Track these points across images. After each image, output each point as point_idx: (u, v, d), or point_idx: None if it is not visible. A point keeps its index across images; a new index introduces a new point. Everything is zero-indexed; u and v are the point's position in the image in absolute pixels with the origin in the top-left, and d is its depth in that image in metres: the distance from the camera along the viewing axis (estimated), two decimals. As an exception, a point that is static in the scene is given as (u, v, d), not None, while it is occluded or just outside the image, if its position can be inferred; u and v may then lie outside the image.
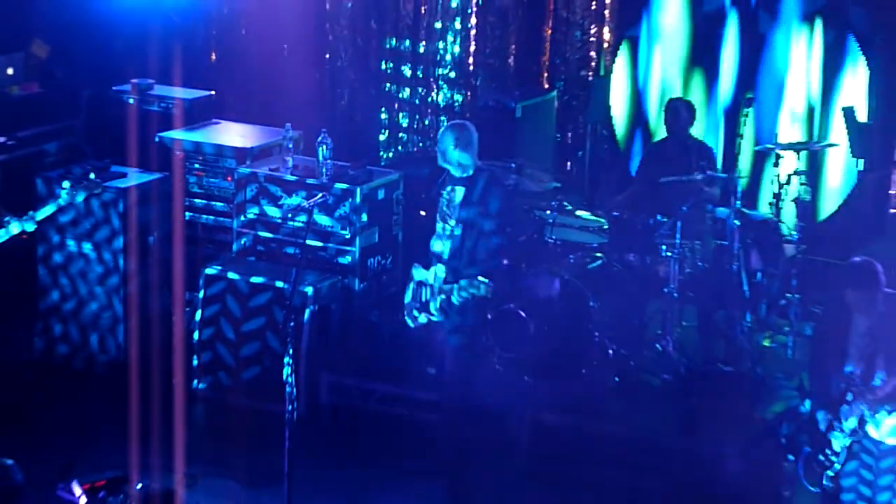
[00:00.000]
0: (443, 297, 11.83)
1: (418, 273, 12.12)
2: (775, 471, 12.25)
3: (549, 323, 13.69)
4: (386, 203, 14.24)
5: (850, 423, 10.62)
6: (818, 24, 15.94)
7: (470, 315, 11.91)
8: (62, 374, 14.22)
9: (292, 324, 11.27)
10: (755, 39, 16.29)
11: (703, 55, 16.57)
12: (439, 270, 11.92)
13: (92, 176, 13.17)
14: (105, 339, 14.29)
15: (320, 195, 13.22)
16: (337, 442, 12.83)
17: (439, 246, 12.08)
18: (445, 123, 12.87)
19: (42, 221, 13.02)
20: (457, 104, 17.55)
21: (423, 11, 17.67)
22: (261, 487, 12.03)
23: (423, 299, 12.03)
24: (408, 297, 12.22)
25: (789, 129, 16.07)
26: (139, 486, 12.01)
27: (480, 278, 11.46)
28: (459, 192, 11.96)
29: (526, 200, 14.66)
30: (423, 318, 12.08)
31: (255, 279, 13.62)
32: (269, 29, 16.12)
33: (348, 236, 13.78)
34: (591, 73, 17.43)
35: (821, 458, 10.71)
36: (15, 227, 12.74)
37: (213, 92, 15.97)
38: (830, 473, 10.75)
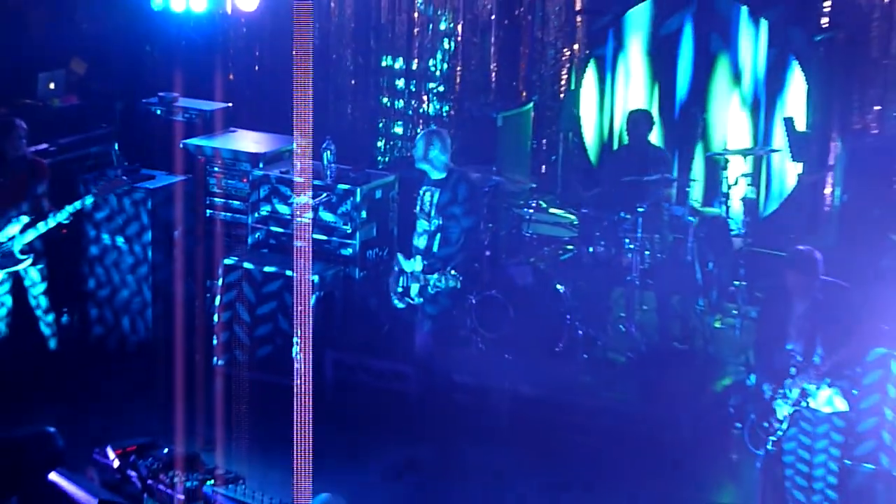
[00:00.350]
0: (422, 283, 11.99)
1: (401, 262, 12.24)
2: (725, 436, 12.29)
3: (527, 307, 13.73)
4: (383, 202, 14.24)
5: (793, 395, 10.65)
6: (763, 44, 15.93)
7: (445, 301, 12.06)
8: (97, 353, 14.25)
9: (298, 308, 11.32)
10: (708, 58, 16.28)
11: (661, 72, 16.55)
12: (419, 261, 12.04)
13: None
14: (135, 321, 14.34)
15: (325, 195, 13.32)
16: (339, 411, 12.81)
17: (420, 241, 12.23)
18: (428, 128, 12.98)
19: (75, 215, 13.21)
20: (445, 115, 17.53)
21: (415, 33, 17.68)
22: (272, 452, 12.04)
23: (406, 285, 12.15)
24: (392, 282, 12.36)
25: (738, 136, 16.06)
26: (165, 450, 12.03)
27: (452, 272, 11.70)
28: (436, 193, 12.10)
29: (506, 200, 14.71)
30: (406, 301, 12.20)
31: (267, 268, 13.69)
32: (280, 49, 16.06)
33: (349, 231, 13.79)
34: (562, 88, 17.40)
35: (765, 424, 10.75)
36: (52, 221, 12.87)
37: (230, 104, 15.97)
38: (773, 438, 10.78)
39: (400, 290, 12.26)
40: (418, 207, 12.26)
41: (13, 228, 13.07)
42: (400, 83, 17.73)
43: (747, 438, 10.93)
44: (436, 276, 11.86)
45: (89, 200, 13.43)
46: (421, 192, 12.28)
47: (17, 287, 13.37)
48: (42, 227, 13.15)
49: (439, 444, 12.46)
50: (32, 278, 13.38)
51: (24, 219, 13.14)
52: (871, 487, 11.76)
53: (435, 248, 12.10)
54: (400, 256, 12.30)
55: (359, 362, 13.45)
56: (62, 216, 13.19)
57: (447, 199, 12.06)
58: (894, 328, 11.22)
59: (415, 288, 12.10)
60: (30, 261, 13.24)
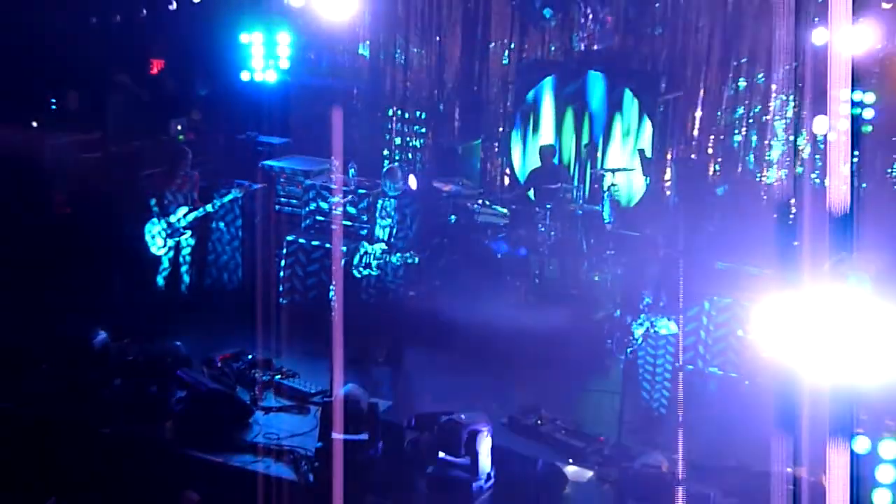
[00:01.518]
0: (382, 259, 12.57)
1: (364, 247, 12.65)
2: (601, 347, 12.31)
3: (477, 266, 13.79)
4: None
5: (644, 323, 10.69)
6: (626, 102, 15.92)
7: (407, 272, 12.81)
8: (206, 296, 14.21)
9: (334, 268, 11.35)
10: (592, 110, 16.23)
11: (562, 119, 16.44)
12: (380, 246, 12.54)
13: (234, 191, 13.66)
14: (231, 275, 14.33)
15: (350, 196, 13.26)
16: (360, 331, 12.70)
17: (379, 233, 12.64)
18: (388, 166, 13.45)
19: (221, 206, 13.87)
20: (425, 147, 17.47)
21: (407, 95, 17.62)
22: (317, 357, 12.01)
23: (367, 262, 12.56)
24: (355, 260, 12.70)
25: (610, 160, 16.00)
26: (249, 356, 12.05)
27: (412, 252, 12.44)
28: (392, 202, 12.69)
29: (463, 199, 14.71)
30: (366, 272, 12.61)
31: (314, 242, 13.70)
32: (324, 105, 15.91)
33: (366, 219, 13.72)
34: (500, 130, 17.33)
35: (625, 340, 10.77)
36: (206, 209, 13.60)
37: (290, 139, 15.89)
38: (630, 349, 10.83)
39: (361, 265, 12.60)
40: (378, 211, 12.75)
41: (180, 213, 13.24)
42: (398, 126, 17.67)
43: (614, 349, 11.00)
44: (398, 255, 12.33)
45: (229, 197, 13.64)
46: (380, 202, 12.79)
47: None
48: (199, 213, 13.42)
49: (422, 346, 12.57)
50: (188, 244, 13.45)
51: (186, 208, 13.30)
52: (691, 381, 11.74)
53: (392, 239, 12.57)
54: (364, 243, 12.60)
55: (373, 301, 13.38)
56: (211, 207, 13.51)
57: (399, 207, 12.71)
58: (706, 282, 11.24)
59: (374, 263, 12.55)
60: (188, 234, 13.35)
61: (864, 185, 14.72)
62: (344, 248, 13.17)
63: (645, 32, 16.19)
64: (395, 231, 12.58)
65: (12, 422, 11.13)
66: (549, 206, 14.07)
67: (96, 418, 11.04)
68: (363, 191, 13.84)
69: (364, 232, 13.59)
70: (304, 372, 12.06)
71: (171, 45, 17.61)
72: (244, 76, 15.79)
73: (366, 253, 12.47)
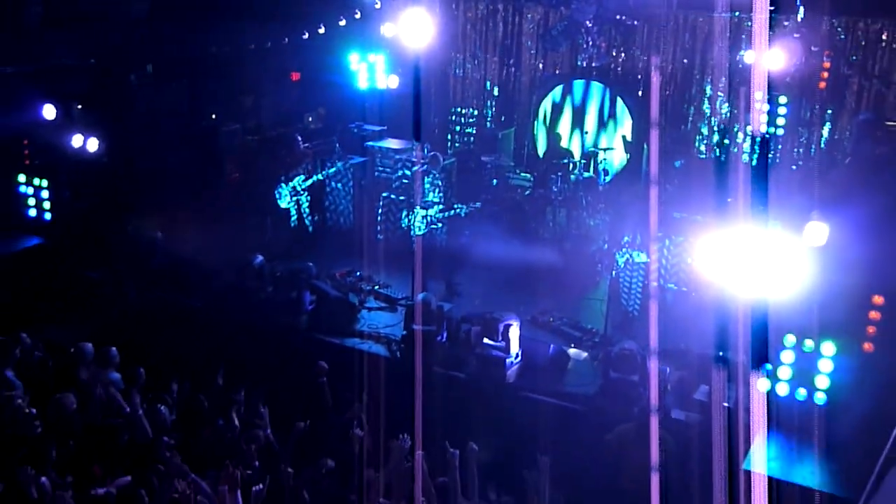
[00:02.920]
0: (443, 214, 12.18)
1: (420, 211, 12.24)
2: (593, 270, 12.24)
3: (510, 216, 13.69)
4: (451, 170, 14.11)
5: (624, 254, 10.64)
6: (614, 101, 15.73)
7: (462, 219, 12.56)
8: (329, 232, 14.11)
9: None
10: (592, 107, 16.03)
11: (567, 112, 16.31)
12: (436, 209, 12.11)
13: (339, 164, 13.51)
14: (345, 219, 14.25)
15: (426, 166, 13.17)
16: (436, 258, 12.32)
17: (431, 198, 12.27)
18: (430, 154, 12.82)
19: (332, 174, 13.73)
20: (475, 134, 17.34)
21: (464, 96, 17.52)
22: (403, 273, 11.91)
23: (429, 220, 12.13)
24: (416, 222, 12.25)
25: (601, 141, 15.83)
26: (357, 273, 12.10)
27: (464, 205, 12.22)
28: (433, 175, 12.27)
29: (502, 169, 14.66)
30: (426, 229, 12.13)
31: (400, 198, 13.50)
32: (408, 104, 15.79)
33: (429, 185, 13.66)
34: (527, 121, 17.15)
35: (611, 265, 10.76)
36: (319, 176, 13.45)
37: (385, 127, 15.85)
38: (614, 271, 10.81)
39: (420, 224, 12.17)
40: (427, 182, 12.31)
41: (299, 179, 13.26)
42: (457, 119, 17.54)
43: (603, 271, 10.96)
44: (447, 212, 11.99)
45: (333, 169, 13.63)
46: (427, 179, 12.31)
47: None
48: (313, 178, 13.37)
49: (473, 269, 12.37)
50: (306, 200, 13.44)
51: (303, 176, 13.28)
52: (656, 296, 11.72)
53: (443, 204, 12.25)
54: (418, 208, 12.16)
55: (451, 244, 13.17)
56: (323, 175, 13.46)
57: (441, 178, 12.44)
58: (666, 226, 11.14)
59: (431, 219, 12.09)
60: (306, 194, 13.37)
61: (777, 160, 14.51)
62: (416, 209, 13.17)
63: (629, 54, 16.05)
64: (446, 194, 12.49)
65: (199, 316, 11.34)
66: (559, 174, 13.99)
67: (256, 314, 11.24)
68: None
69: (427, 197, 13.60)
70: (394, 283, 12.15)
71: (305, 62, 17.61)
72: (354, 83, 15.75)
73: (424, 216, 12.37)
